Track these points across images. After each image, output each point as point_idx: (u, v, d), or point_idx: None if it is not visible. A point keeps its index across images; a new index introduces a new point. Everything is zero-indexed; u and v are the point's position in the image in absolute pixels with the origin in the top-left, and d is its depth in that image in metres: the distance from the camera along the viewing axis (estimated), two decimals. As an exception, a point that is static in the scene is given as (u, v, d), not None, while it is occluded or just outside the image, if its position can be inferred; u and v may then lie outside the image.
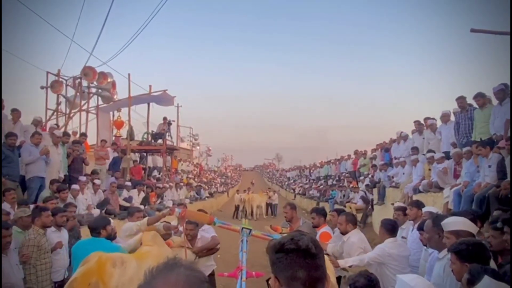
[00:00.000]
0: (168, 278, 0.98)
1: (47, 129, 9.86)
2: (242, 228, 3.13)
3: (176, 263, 1.04)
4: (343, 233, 4.81)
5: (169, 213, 4.24)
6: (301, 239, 1.32)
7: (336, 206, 15.52)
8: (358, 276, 3.21)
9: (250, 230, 3.14)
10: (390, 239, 4.39)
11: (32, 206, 5.83)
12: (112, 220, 4.95)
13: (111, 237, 4.37)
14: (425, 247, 4.25)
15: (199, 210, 5.76)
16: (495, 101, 7.42)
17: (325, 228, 5.31)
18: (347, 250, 4.68)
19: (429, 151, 9.34)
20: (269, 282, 1.39)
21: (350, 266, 4.31)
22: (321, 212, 5.50)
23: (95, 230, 4.19)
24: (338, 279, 4.49)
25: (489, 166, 6.42)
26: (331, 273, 3.04)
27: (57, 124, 12.53)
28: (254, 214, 21.22)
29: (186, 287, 0.98)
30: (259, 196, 22.25)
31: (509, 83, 7.05)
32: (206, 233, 5.03)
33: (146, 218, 4.64)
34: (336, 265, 4.27)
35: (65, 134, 10.37)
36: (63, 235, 5.45)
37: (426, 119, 10.60)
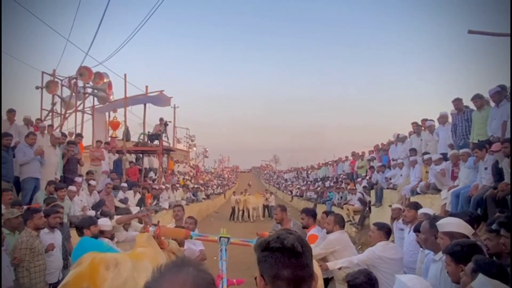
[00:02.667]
0: (176, 277, 0.98)
1: (41, 130, 9.72)
2: (220, 237, 3.15)
3: (185, 263, 1.04)
4: (329, 233, 4.82)
5: (143, 231, 4.20)
6: (286, 237, 1.29)
7: (334, 208, 15.51)
8: (358, 273, 3.19)
9: (228, 238, 3.16)
10: (382, 242, 4.39)
11: (24, 208, 5.77)
12: (108, 220, 5.17)
13: (96, 236, 4.49)
14: (421, 249, 4.22)
15: (189, 217, 5.63)
16: (492, 103, 7.40)
17: (314, 230, 5.27)
18: None
19: (425, 153, 9.33)
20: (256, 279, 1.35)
21: (339, 268, 4.29)
22: (311, 213, 5.48)
23: (79, 229, 4.46)
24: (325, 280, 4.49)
25: (485, 168, 6.42)
26: (319, 275, 3.02)
27: (52, 125, 12.40)
28: (251, 216, 21.16)
29: None
30: (255, 198, 22.11)
31: (507, 84, 7.03)
32: (194, 245, 4.96)
33: (117, 217, 4.97)
34: (325, 268, 4.25)
35: (63, 135, 10.31)
36: (56, 236, 5.41)
37: (424, 120, 10.59)
